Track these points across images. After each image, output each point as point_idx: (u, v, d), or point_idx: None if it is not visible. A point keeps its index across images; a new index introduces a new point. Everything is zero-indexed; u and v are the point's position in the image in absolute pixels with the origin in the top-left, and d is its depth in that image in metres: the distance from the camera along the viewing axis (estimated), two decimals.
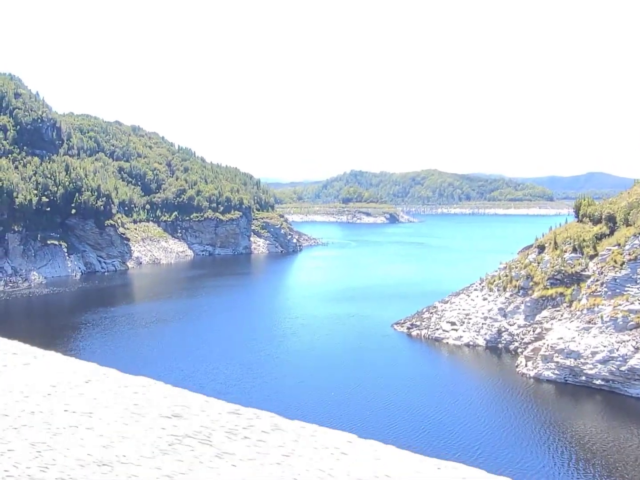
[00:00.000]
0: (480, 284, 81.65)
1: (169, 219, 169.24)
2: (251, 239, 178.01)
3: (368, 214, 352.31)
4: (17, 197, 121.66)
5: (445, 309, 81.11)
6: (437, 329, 77.02)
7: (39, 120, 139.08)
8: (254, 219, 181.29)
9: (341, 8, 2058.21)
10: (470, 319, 76.53)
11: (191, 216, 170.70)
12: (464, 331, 75.27)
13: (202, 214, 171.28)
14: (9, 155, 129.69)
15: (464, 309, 78.75)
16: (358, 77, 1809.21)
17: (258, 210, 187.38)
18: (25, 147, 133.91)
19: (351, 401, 48.62)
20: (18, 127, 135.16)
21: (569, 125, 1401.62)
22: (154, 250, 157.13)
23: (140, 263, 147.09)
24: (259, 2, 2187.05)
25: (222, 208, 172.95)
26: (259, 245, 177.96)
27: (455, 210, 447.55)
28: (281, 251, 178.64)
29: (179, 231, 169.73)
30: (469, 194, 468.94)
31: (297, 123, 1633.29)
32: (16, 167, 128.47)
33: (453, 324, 77.14)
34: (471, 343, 72.74)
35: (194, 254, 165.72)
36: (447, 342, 74.06)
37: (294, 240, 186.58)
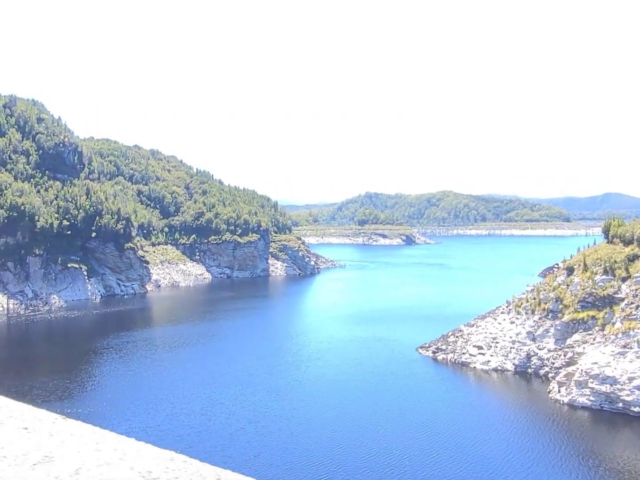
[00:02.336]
0: (507, 306, 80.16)
1: (187, 242, 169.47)
2: (269, 261, 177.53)
3: (384, 236, 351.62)
4: (38, 221, 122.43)
5: (472, 333, 79.58)
6: (464, 354, 75.44)
7: (61, 145, 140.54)
8: (271, 242, 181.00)
9: (355, 26, 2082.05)
10: (497, 343, 74.93)
11: (209, 239, 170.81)
12: (491, 355, 73.64)
13: (220, 236, 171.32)
14: (31, 180, 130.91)
15: (490, 333, 77.19)
16: (372, 99, 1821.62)
17: (276, 232, 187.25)
18: (47, 172, 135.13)
19: (387, 432, 47.16)
20: (40, 151, 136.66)
21: (585, 145, 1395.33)
22: (173, 273, 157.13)
23: (159, 286, 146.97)
24: (276, 25, 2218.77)
25: (240, 231, 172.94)
26: (277, 268, 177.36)
27: (471, 231, 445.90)
28: (299, 274, 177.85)
29: (197, 254, 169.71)
30: (485, 215, 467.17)
31: (312, 145, 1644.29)
32: (38, 191, 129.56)
33: (480, 348, 75.54)
34: (499, 368, 71.06)
35: (212, 277, 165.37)
36: (475, 367, 72.43)
37: (312, 263, 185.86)
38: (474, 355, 74.46)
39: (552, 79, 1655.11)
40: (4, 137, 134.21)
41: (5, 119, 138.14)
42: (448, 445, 44.18)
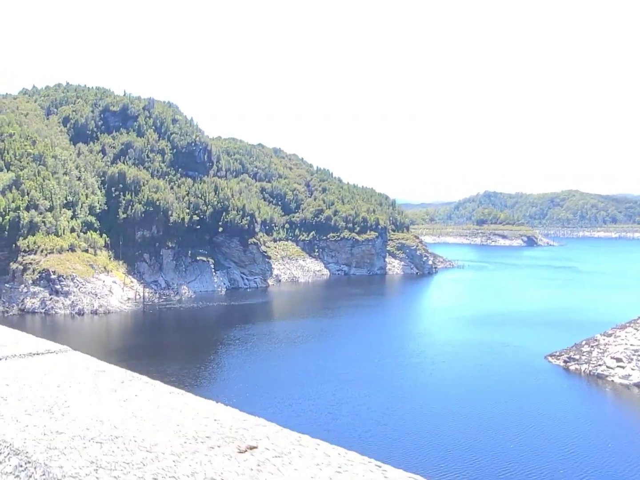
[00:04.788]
0: None
1: (306, 238, 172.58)
2: (386, 259, 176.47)
3: (504, 237, 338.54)
4: (171, 216, 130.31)
5: (609, 343, 74.17)
6: (600, 365, 70.45)
7: (193, 144, 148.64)
8: (389, 240, 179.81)
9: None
10: (639, 356, 69.36)
11: (328, 236, 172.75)
12: (632, 369, 68.13)
13: (338, 233, 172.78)
14: (166, 177, 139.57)
15: (632, 345, 71.51)
16: (490, 98, 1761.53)
17: (393, 231, 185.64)
18: (180, 169, 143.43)
19: (521, 448, 44.93)
20: (174, 150, 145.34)
21: None
22: (293, 268, 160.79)
23: (280, 281, 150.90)
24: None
25: (358, 228, 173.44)
26: (394, 266, 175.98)
27: (599, 233, 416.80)
28: (416, 273, 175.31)
29: (316, 250, 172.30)
30: (615, 216, 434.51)
31: (429, 143, 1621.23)
32: (171, 188, 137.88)
33: (619, 360, 70.19)
34: None
35: (330, 273, 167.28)
36: (612, 380, 67.46)
37: (430, 262, 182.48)
38: (611, 368, 69.32)
39: None
40: (143, 137, 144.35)
41: (145, 121, 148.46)
42: (594, 469, 41.24)
